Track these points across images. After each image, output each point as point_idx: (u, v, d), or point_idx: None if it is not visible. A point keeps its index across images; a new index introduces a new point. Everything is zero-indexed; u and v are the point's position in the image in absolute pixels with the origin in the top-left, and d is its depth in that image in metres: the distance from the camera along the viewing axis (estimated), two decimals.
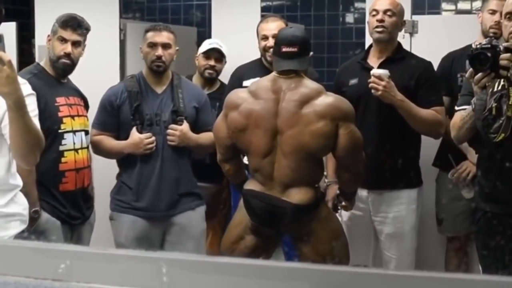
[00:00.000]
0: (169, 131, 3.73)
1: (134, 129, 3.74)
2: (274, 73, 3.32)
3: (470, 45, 3.91)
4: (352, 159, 3.29)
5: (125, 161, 3.83)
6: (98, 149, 3.84)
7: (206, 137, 3.74)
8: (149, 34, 3.83)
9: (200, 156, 4.03)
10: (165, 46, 3.78)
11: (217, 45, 4.48)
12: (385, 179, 3.74)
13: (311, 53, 3.41)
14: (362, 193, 3.84)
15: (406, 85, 3.67)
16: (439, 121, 3.71)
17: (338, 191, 3.57)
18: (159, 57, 3.76)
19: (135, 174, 3.77)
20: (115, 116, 3.80)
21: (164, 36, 3.80)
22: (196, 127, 3.81)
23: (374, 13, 3.75)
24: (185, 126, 3.77)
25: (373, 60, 3.82)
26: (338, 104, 3.24)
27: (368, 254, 3.94)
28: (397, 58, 3.79)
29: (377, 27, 3.72)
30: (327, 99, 3.22)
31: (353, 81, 3.79)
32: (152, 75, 3.84)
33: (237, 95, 3.38)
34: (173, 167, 3.78)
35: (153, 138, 3.73)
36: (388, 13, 3.72)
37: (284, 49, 3.26)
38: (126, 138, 3.77)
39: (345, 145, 3.21)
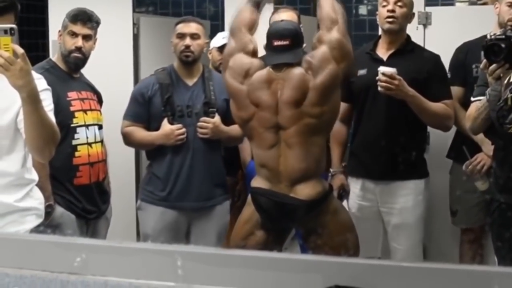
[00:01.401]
0: (201, 123, 3.74)
1: (165, 121, 3.75)
2: (268, 68, 3.29)
3: (485, 36, 3.89)
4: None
5: (156, 152, 3.84)
6: (129, 140, 3.86)
7: (236, 129, 3.68)
8: (178, 26, 3.85)
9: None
10: (194, 36, 3.80)
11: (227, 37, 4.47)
12: (392, 170, 3.74)
13: (305, 45, 3.39)
14: (369, 184, 3.85)
15: (416, 77, 3.65)
16: (449, 115, 3.71)
17: None
18: (187, 47, 3.77)
19: (165, 165, 3.78)
20: (146, 107, 3.82)
21: (192, 27, 3.83)
22: (227, 119, 3.78)
23: (384, 3, 3.73)
24: (217, 119, 3.78)
25: (382, 51, 3.81)
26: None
27: (377, 244, 3.93)
28: (407, 50, 3.79)
29: (388, 17, 3.70)
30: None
31: (362, 72, 3.77)
32: (183, 67, 3.85)
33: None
34: (203, 158, 3.79)
35: (184, 129, 3.73)
36: (399, 3, 3.70)
37: (275, 43, 3.24)
38: (156, 129, 3.79)
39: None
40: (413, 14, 3.84)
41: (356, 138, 3.89)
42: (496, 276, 1.07)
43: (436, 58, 3.79)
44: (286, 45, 3.22)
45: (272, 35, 3.28)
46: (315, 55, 3.22)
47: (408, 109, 3.61)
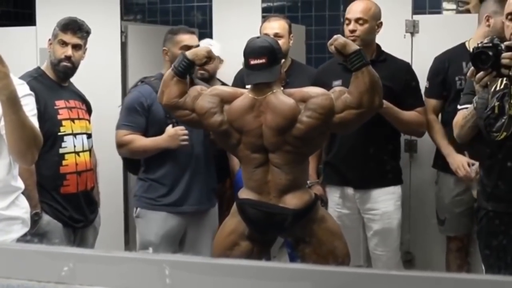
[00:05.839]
0: None
1: (169, 126, 3.75)
2: (248, 93, 3.25)
3: (463, 44, 3.92)
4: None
5: (155, 159, 3.82)
6: (130, 148, 3.80)
7: None
8: (182, 37, 3.84)
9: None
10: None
11: (206, 44, 4.44)
12: (369, 178, 3.83)
13: (283, 60, 3.35)
14: (349, 191, 3.90)
15: (390, 86, 3.66)
16: (421, 122, 3.87)
17: None
18: None
19: (170, 171, 3.80)
20: (146, 116, 3.80)
21: (195, 39, 3.89)
22: None
23: (347, 22, 3.79)
24: None
25: None
26: (319, 101, 3.17)
27: (359, 252, 3.97)
28: (379, 61, 3.80)
29: (349, 37, 3.70)
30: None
31: (337, 82, 3.71)
32: None
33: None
34: (203, 163, 3.85)
35: (186, 131, 3.72)
36: (360, 21, 3.75)
37: (252, 62, 3.18)
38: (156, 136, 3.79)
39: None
40: (381, 23, 3.83)
41: (332, 148, 3.92)
42: (483, 284, 1.08)
43: (407, 66, 3.90)
44: (263, 63, 3.17)
45: (248, 53, 3.23)
46: (318, 95, 3.17)
47: (383, 119, 3.67)
